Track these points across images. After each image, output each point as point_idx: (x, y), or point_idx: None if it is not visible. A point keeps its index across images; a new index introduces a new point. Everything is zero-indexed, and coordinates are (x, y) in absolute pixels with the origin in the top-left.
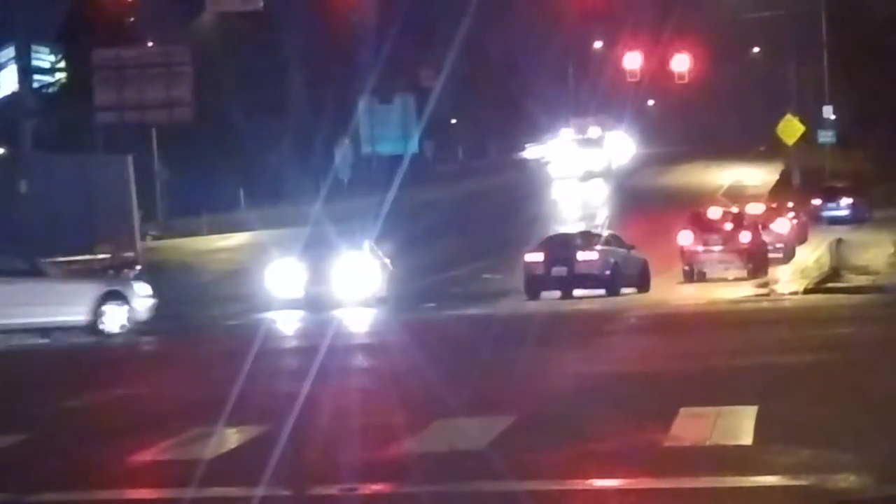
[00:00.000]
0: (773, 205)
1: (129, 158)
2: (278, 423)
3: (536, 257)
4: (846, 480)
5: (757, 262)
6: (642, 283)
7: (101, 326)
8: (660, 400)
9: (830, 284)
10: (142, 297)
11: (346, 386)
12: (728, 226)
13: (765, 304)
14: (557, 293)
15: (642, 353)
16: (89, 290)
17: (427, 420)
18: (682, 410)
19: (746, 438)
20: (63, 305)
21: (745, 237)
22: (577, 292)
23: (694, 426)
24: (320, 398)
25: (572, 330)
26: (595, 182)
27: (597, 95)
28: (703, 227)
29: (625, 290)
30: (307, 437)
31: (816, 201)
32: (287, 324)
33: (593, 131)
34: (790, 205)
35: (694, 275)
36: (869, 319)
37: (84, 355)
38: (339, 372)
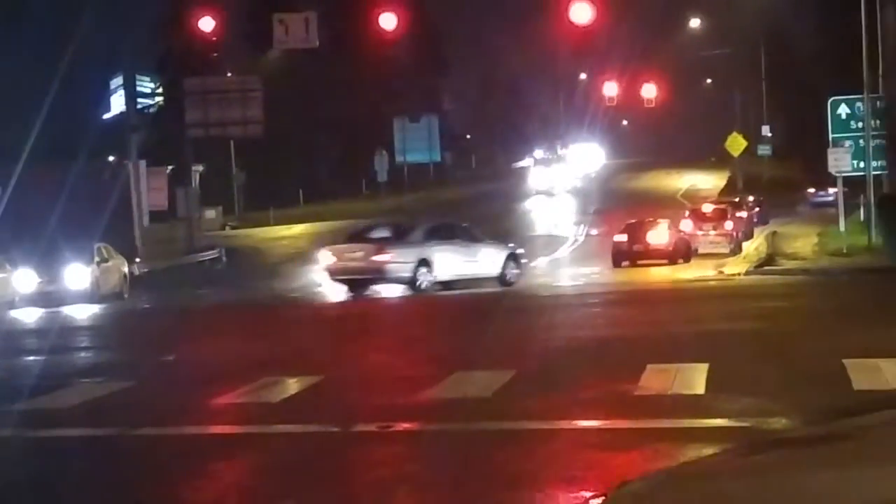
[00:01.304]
0: (737, 201)
1: (130, 165)
2: (330, 373)
3: (622, 237)
4: (779, 423)
5: (736, 243)
6: (686, 256)
7: (507, 279)
8: (631, 358)
9: (767, 267)
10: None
11: (383, 345)
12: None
13: (715, 283)
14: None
15: (617, 321)
16: (500, 252)
17: (447, 372)
18: (649, 366)
19: (700, 389)
20: (487, 263)
21: (728, 225)
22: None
23: (658, 379)
24: (363, 354)
25: (561, 303)
26: (569, 188)
27: (581, 116)
28: (699, 217)
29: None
30: (353, 384)
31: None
32: (336, 295)
33: (558, 150)
34: (751, 202)
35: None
36: (797, 295)
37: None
38: (378, 334)
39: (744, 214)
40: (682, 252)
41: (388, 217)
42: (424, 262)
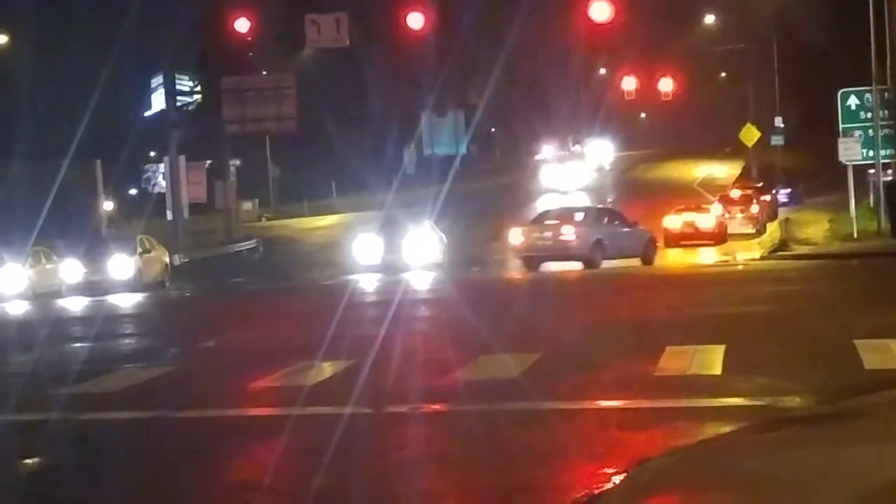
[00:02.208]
0: (761, 186)
1: (98, 163)
2: (362, 357)
3: (674, 221)
4: (793, 401)
5: (761, 224)
6: (724, 239)
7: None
8: (650, 340)
9: (781, 253)
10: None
11: (413, 330)
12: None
13: (730, 268)
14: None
15: (636, 304)
16: (643, 235)
17: (473, 355)
18: (668, 348)
19: (717, 369)
20: (635, 243)
21: (755, 209)
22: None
23: (677, 360)
24: (393, 339)
25: (586, 290)
26: (582, 185)
27: (600, 111)
28: (728, 202)
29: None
30: (384, 368)
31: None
32: (368, 283)
33: (570, 146)
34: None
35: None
36: (809, 279)
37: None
38: (407, 319)
39: (767, 198)
40: (724, 235)
41: (416, 207)
42: (599, 242)
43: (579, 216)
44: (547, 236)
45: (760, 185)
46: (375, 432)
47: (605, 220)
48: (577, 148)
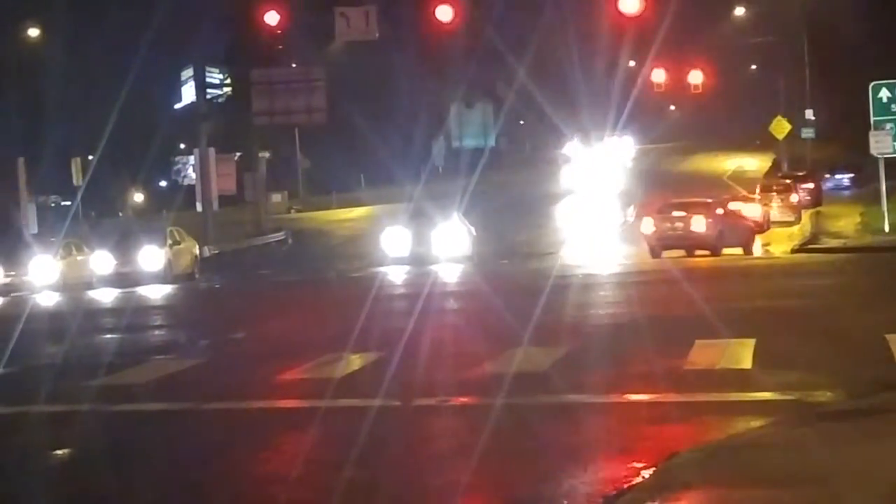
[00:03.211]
0: (802, 175)
1: (21, 160)
2: (391, 350)
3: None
4: (823, 396)
5: (798, 213)
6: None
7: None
8: (680, 334)
9: (812, 246)
10: None
11: (442, 322)
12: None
13: (761, 261)
14: None
15: (666, 298)
16: (746, 226)
17: (502, 348)
18: (698, 342)
19: (747, 364)
20: (741, 235)
21: (794, 198)
22: None
23: (706, 354)
24: (422, 331)
25: (615, 283)
26: (608, 185)
27: (629, 103)
28: (769, 191)
29: None
30: (412, 360)
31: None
32: (396, 275)
33: (592, 142)
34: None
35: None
36: (841, 273)
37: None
38: (436, 312)
39: (811, 186)
40: (767, 224)
41: (444, 199)
42: (721, 233)
43: (705, 208)
44: (678, 227)
45: (803, 173)
46: (404, 425)
47: (722, 212)
48: (599, 145)
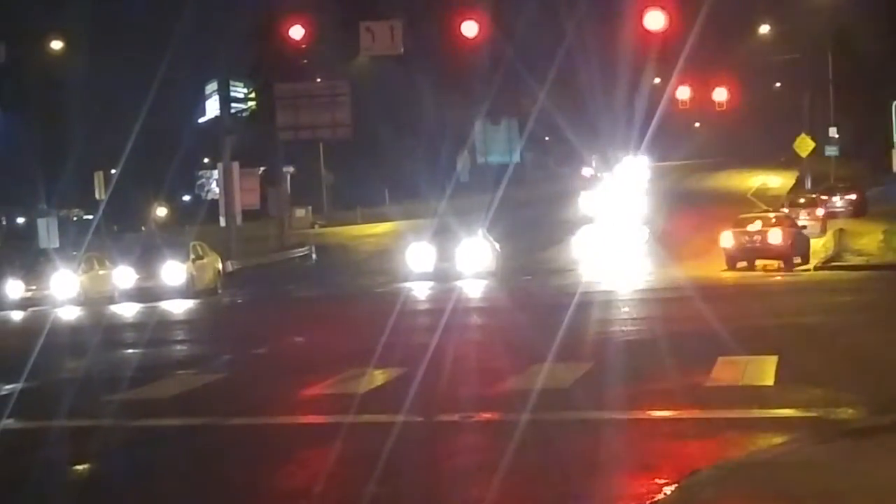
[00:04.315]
0: (834, 187)
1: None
2: (414, 365)
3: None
4: (846, 413)
5: (824, 225)
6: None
7: None
8: (703, 350)
9: (834, 263)
10: None
11: (465, 338)
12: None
13: (783, 278)
14: None
15: (689, 315)
16: (807, 239)
17: (526, 364)
18: (720, 359)
19: (769, 380)
20: (802, 246)
21: (819, 212)
22: None
23: (729, 371)
24: (445, 347)
25: (639, 300)
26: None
27: (653, 120)
28: (796, 205)
29: None
30: (436, 376)
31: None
32: (421, 291)
33: (612, 164)
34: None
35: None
36: (863, 290)
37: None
38: (460, 328)
39: (837, 199)
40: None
41: (469, 215)
42: (792, 244)
43: (780, 221)
44: (756, 239)
45: (843, 185)
46: (427, 441)
47: (791, 225)
48: (619, 165)
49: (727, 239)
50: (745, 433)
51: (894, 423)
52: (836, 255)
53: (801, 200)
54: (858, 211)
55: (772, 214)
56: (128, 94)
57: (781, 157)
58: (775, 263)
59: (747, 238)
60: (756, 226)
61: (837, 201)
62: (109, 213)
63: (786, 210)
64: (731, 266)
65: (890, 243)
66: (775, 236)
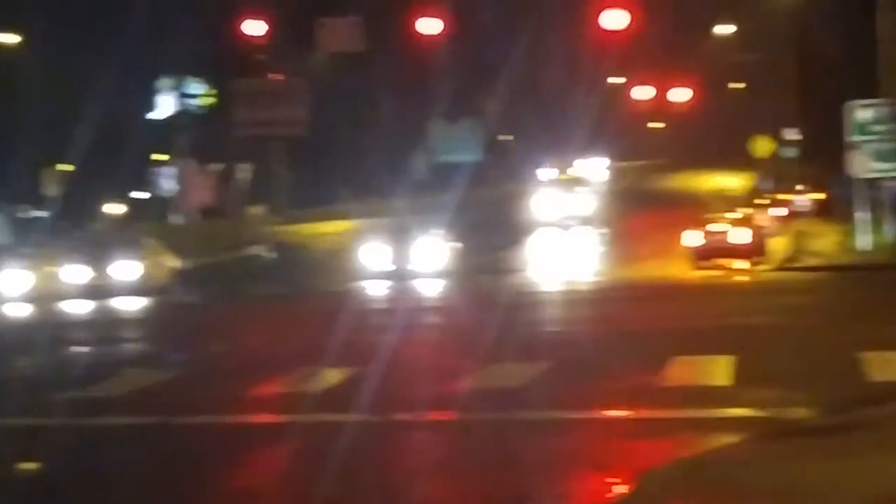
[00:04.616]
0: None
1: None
2: (369, 365)
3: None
4: (798, 413)
5: (784, 225)
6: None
7: None
8: (658, 350)
9: (792, 264)
10: None
11: (421, 337)
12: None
13: (740, 279)
14: None
15: (646, 314)
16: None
17: (481, 364)
18: (676, 358)
19: (724, 380)
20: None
21: (779, 212)
22: None
23: (684, 370)
24: (401, 346)
25: (595, 299)
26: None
27: (612, 120)
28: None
29: None
30: (390, 375)
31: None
32: (377, 290)
33: (570, 167)
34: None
35: None
36: (818, 291)
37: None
38: (415, 327)
39: (803, 198)
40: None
41: (427, 214)
42: (755, 242)
43: (744, 221)
44: (720, 238)
45: (808, 186)
46: (381, 440)
47: (754, 225)
48: (576, 169)
49: (692, 238)
50: (699, 433)
51: (845, 422)
52: (794, 257)
53: (762, 201)
54: (824, 211)
55: (735, 214)
56: (81, 90)
57: (739, 158)
58: (736, 263)
59: (712, 237)
60: (720, 226)
61: (803, 201)
62: (61, 210)
63: (746, 210)
64: (696, 265)
65: (845, 245)
66: (739, 236)
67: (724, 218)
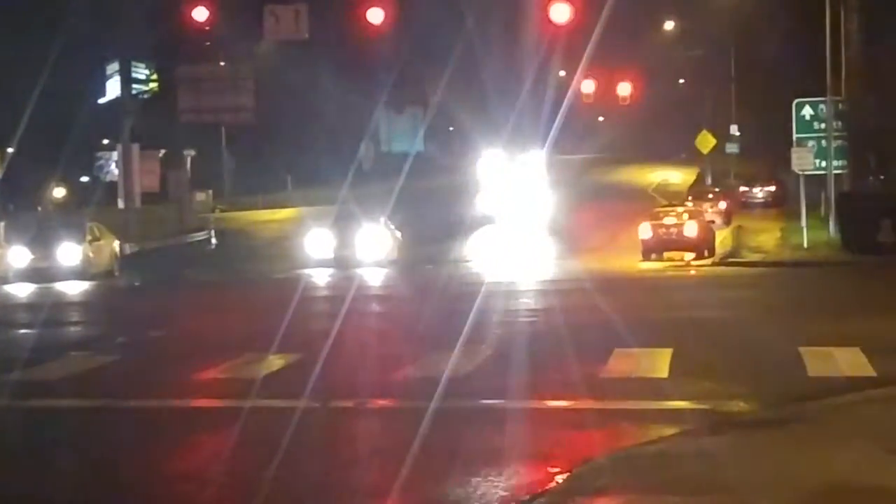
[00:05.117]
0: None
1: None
2: (312, 351)
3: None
4: (737, 406)
5: (728, 217)
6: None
7: None
8: (599, 342)
9: (732, 259)
10: None
11: (364, 325)
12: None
13: (682, 273)
14: None
15: (587, 307)
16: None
17: (424, 352)
18: (616, 350)
19: (663, 373)
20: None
21: (722, 205)
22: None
23: (624, 363)
24: (344, 333)
25: (542, 291)
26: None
27: (557, 114)
28: (701, 198)
29: None
30: (333, 362)
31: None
32: (320, 278)
33: (515, 158)
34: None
35: None
36: (758, 286)
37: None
38: (359, 314)
39: (757, 190)
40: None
41: (371, 203)
42: (706, 236)
43: (694, 215)
44: (673, 232)
45: (739, 184)
46: (322, 426)
47: (703, 219)
48: (525, 161)
49: (645, 230)
50: (638, 424)
51: (783, 416)
52: (735, 251)
53: (708, 195)
54: (778, 202)
55: (684, 208)
56: (25, 73)
57: (682, 154)
58: (683, 255)
59: (664, 230)
60: (672, 219)
61: (758, 193)
62: (5, 193)
63: (694, 204)
64: (647, 257)
65: (787, 241)
66: (690, 229)
67: (672, 212)
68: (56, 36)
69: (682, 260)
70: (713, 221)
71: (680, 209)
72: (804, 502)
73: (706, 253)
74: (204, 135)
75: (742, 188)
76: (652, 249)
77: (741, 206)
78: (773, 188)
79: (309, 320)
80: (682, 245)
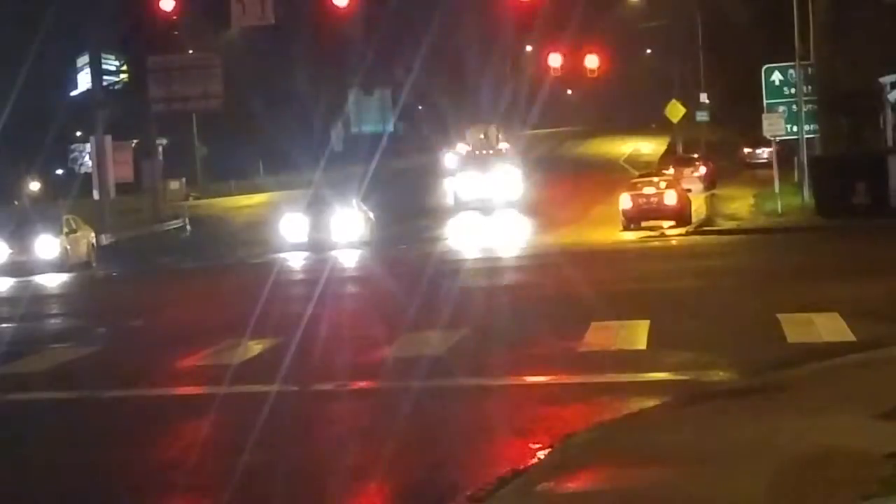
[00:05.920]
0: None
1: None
2: (289, 335)
3: None
4: (717, 375)
5: (709, 182)
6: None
7: None
8: (576, 316)
9: (706, 228)
10: None
11: (340, 307)
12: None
13: (657, 243)
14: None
15: (562, 280)
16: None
17: (400, 332)
18: (593, 324)
19: (641, 344)
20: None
21: (702, 170)
22: None
23: (602, 335)
24: (320, 316)
25: (518, 266)
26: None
27: (525, 88)
28: (682, 164)
29: None
30: (311, 346)
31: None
32: (295, 262)
33: (495, 139)
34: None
35: None
36: (734, 254)
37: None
38: (335, 297)
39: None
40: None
41: (344, 185)
42: (686, 205)
43: (673, 184)
44: (653, 201)
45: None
46: (302, 410)
47: (680, 187)
48: (503, 145)
49: (625, 201)
50: (618, 397)
51: (763, 384)
52: (709, 220)
53: (688, 160)
54: (780, 162)
55: (662, 177)
56: None
57: (653, 124)
58: (661, 224)
59: (644, 200)
60: (651, 188)
61: (762, 153)
62: None
63: (670, 173)
64: (627, 227)
65: (761, 208)
66: (670, 198)
67: (650, 181)
68: (27, 30)
69: (659, 229)
70: (689, 190)
71: (662, 177)
72: (787, 470)
73: (685, 221)
74: (176, 123)
75: (746, 149)
76: (632, 220)
77: (745, 167)
78: (771, 148)
79: (286, 304)
80: (663, 214)
